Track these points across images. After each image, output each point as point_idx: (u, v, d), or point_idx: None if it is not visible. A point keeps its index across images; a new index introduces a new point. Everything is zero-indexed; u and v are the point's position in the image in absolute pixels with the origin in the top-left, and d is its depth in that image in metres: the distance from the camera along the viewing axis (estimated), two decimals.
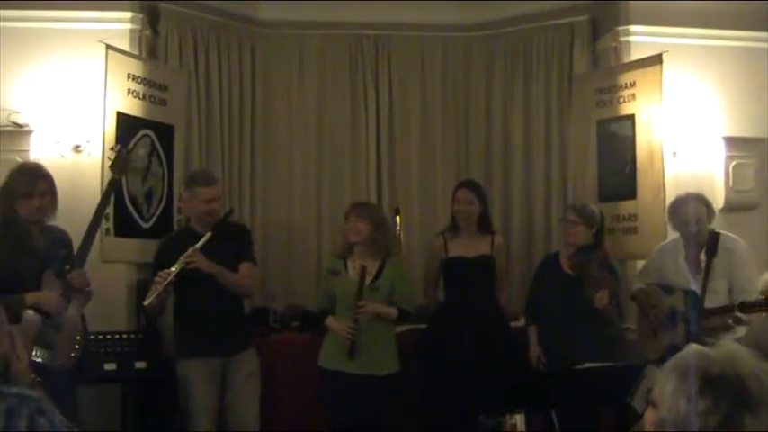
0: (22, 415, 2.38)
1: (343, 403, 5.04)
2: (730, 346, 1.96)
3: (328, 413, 5.15)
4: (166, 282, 4.72)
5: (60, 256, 4.51)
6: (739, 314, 4.83)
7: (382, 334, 5.21)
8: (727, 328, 4.92)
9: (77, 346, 4.35)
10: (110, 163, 4.91)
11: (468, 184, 5.72)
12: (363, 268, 5.15)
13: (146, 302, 4.76)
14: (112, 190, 4.97)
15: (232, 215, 5.18)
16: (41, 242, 4.51)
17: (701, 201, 5.24)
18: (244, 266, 5.12)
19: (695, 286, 5.08)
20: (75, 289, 4.45)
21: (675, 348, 4.96)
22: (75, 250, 4.59)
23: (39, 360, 4.12)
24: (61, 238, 4.64)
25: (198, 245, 4.86)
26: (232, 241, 5.10)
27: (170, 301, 5.10)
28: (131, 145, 5.77)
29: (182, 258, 4.80)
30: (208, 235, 4.89)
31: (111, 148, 5.14)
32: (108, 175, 4.94)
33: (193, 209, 5.10)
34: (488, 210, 5.83)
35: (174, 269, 4.76)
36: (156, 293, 4.71)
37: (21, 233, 4.42)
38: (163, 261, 4.93)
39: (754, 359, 1.88)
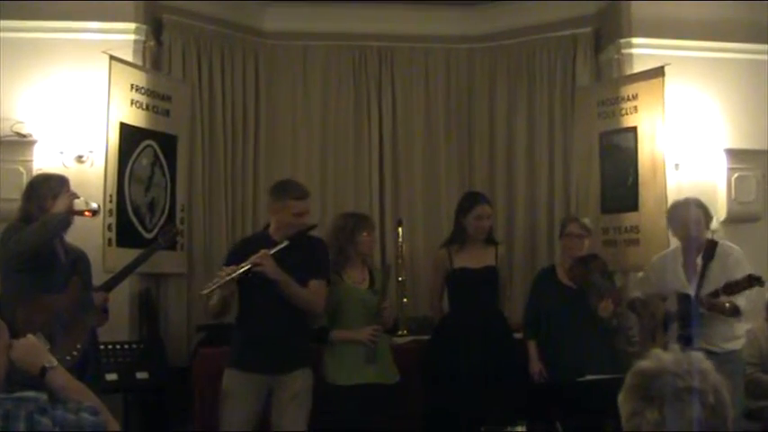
0: (19, 418, 2.37)
1: (360, 415, 4.91)
2: (694, 353, 1.98)
3: (340, 427, 4.92)
4: (228, 277, 4.51)
5: (86, 269, 4.76)
6: (724, 295, 4.88)
7: (385, 342, 5.19)
8: (722, 310, 4.98)
9: (75, 353, 4.42)
10: (162, 233, 5.39)
11: (485, 199, 5.65)
12: (388, 268, 5.32)
13: (204, 291, 4.62)
14: (152, 253, 5.18)
15: (314, 229, 4.92)
16: (65, 254, 4.67)
17: (699, 206, 5.27)
18: (314, 283, 4.82)
19: (690, 290, 5.10)
20: (96, 306, 4.64)
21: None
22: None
23: None
24: (82, 257, 4.78)
25: (272, 250, 4.65)
26: (307, 254, 4.83)
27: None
28: (134, 156, 5.83)
29: (251, 258, 4.60)
30: (285, 243, 4.69)
31: (168, 223, 5.80)
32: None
33: (281, 220, 4.86)
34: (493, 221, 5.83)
35: (241, 267, 4.56)
36: (215, 286, 4.54)
37: (58, 228, 4.50)
38: (230, 263, 4.71)
39: (693, 363, 1.89)
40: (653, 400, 1.83)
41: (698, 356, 1.92)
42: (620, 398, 1.92)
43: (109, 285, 4.77)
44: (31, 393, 2.48)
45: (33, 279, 4.40)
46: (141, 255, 5.07)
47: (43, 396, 2.51)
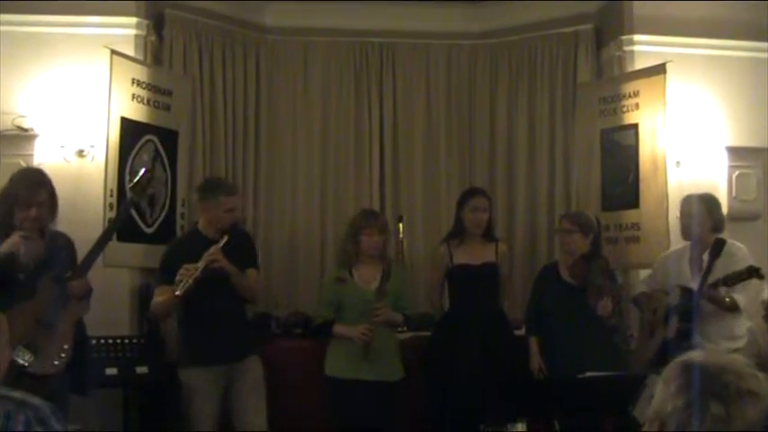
0: (19, 420, 2.37)
1: (356, 411, 4.98)
2: (731, 355, 2.00)
3: (339, 422, 5.07)
4: (195, 275, 4.64)
5: (62, 261, 4.48)
6: (724, 287, 4.92)
7: (390, 340, 5.24)
8: (722, 303, 5.04)
9: (63, 355, 4.27)
10: (131, 184, 4.84)
11: (482, 192, 5.69)
12: (385, 271, 5.27)
13: (178, 293, 4.65)
14: (129, 209, 5.16)
15: (244, 223, 5.12)
16: (40, 247, 4.37)
17: (702, 201, 5.29)
18: (251, 272, 5.12)
19: (693, 285, 5.11)
20: (74, 297, 4.41)
21: (666, 343, 5.07)
22: (78, 256, 4.57)
23: (21, 362, 4.05)
24: (64, 244, 4.58)
25: (219, 244, 4.80)
26: (237, 247, 5.02)
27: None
28: (135, 150, 5.82)
29: (205, 256, 4.73)
30: (226, 238, 4.83)
31: (136, 171, 5.35)
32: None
33: (213, 216, 5.02)
34: (493, 217, 5.83)
35: (199, 265, 4.69)
36: (186, 286, 4.62)
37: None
38: (171, 264, 4.84)
39: (745, 366, 1.92)
40: (719, 397, 1.85)
41: (742, 359, 1.96)
42: (667, 388, 1.92)
43: (85, 267, 4.46)
44: (36, 400, 2.48)
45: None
46: (113, 222, 5.04)
47: (46, 407, 2.50)
